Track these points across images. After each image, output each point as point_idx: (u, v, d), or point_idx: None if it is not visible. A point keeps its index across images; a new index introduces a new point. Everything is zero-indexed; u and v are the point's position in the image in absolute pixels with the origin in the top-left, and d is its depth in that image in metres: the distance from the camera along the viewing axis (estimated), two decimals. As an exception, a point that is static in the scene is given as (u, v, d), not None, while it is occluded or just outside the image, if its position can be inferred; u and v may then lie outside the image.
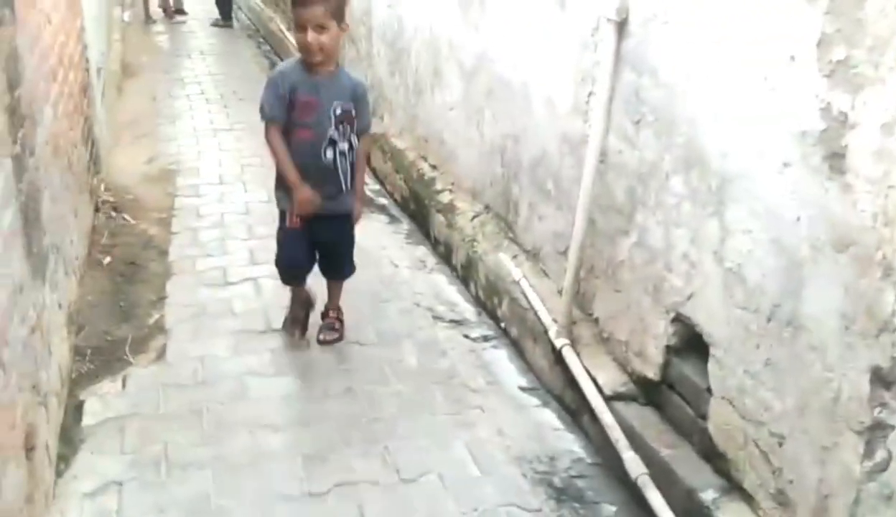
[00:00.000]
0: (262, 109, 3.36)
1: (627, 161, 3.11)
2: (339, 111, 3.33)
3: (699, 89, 2.69)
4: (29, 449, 2.47)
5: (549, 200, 3.77)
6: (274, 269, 4.47)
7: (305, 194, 3.35)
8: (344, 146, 3.40)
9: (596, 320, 3.43)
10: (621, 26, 3.05)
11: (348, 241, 3.69)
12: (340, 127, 3.35)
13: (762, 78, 2.40)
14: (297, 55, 3.37)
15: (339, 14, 3.22)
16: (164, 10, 12.19)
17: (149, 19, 12.00)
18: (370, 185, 5.87)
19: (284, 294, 3.91)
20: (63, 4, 4.21)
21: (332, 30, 3.20)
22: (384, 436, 3.12)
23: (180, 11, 12.29)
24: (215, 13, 11.66)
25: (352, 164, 3.46)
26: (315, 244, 3.60)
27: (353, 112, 3.39)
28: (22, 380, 2.40)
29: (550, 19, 3.61)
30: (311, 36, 3.17)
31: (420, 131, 5.40)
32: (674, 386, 2.95)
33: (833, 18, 2.14)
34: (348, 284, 4.28)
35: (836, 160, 2.15)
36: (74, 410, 3.24)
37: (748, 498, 2.58)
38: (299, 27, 3.20)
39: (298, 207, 3.39)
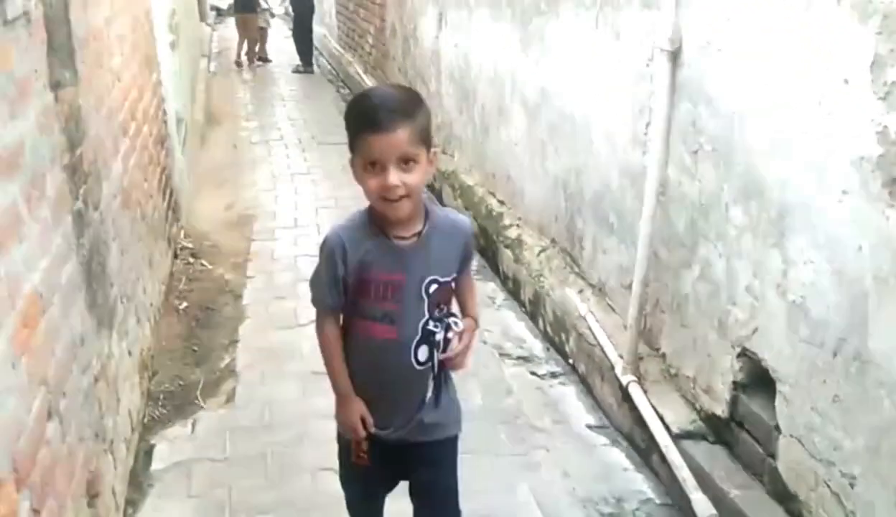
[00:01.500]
0: (311, 288, 2.18)
1: (687, 192, 3.03)
2: (434, 288, 2.08)
3: (755, 117, 2.61)
4: (92, 495, 2.53)
5: (611, 234, 3.70)
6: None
7: (357, 408, 2.20)
8: (440, 335, 2.12)
9: (663, 356, 3.34)
10: (675, 56, 3.00)
11: (448, 482, 2.36)
12: (437, 310, 2.11)
13: (817, 103, 2.31)
14: (360, 207, 2.12)
15: (427, 136, 1.98)
16: (250, 59, 12.63)
17: (239, 66, 12.45)
18: (441, 223, 5.89)
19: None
20: (136, 62, 4.37)
21: (420, 162, 1.94)
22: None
23: (264, 59, 12.74)
24: (297, 60, 12.00)
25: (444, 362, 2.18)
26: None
27: (453, 284, 2.15)
28: (83, 429, 2.46)
29: (606, 52, 3.58)
30: (392, 176, 1.90)
31: (488, 167, 5.40)
32: (743, 423, 2.83)
33: (886, 38, 2.05)
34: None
35: (895, 186, 2.05)
36: (145, 455, 3.31)
37: (821, 542, 2.44)
38: (370, 164, 1.92)
39: (342, 426, 2.32)
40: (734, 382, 2.82)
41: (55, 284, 2.30)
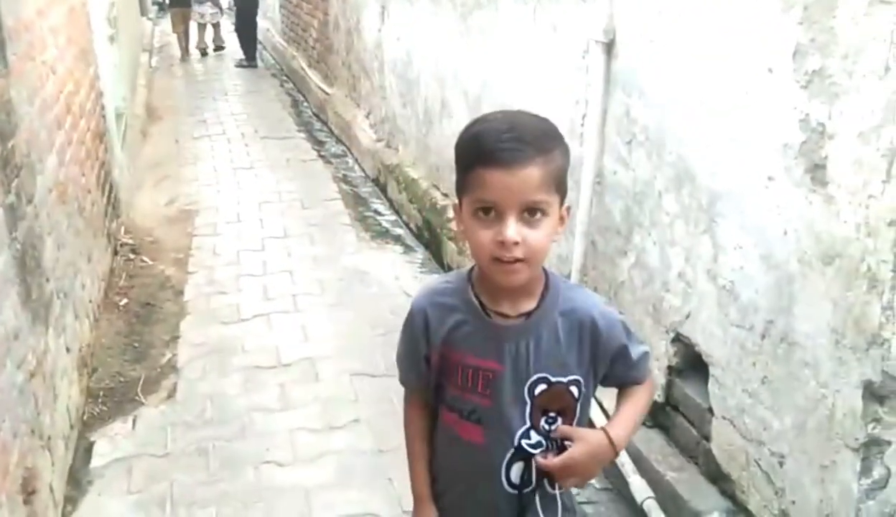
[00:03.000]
0: (396, 362, 1.78)
1: (622, 181, 3.09)
2: (541, 389, 1.58)
3: (685, 106, 2.67)
4: (29, 493, 2.49)
5: (552, 224, 3.74)
6: (284, 303, 4.50)
7: None
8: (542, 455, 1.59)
9: (601, 343, 3.39)
10: (609, 47, 3.05)
11: None
12: (545, 421, 1.60)
13: (743, 92, 2.37)
14: (464, 267, 1.71)
15: (562, 183, 1.48)
16: (202, 51, 12.83)
17: (186, 57, 12.53)
18: (386, 216, 5.92)
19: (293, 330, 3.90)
20: (71, 55, 4.30)
21: (550, 216, 1.44)
22: (389, 469, 3.09)
23: (220, 48, 12.96)
24: (240, 54, 11.89)
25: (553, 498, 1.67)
26: None
27: (580, 389, 1.59)
28: (17, 425, 2.43)
29: (544, 44, 3.62)
30: (511, 229, 1.41)
31: (432, 160, 5.42)
32: (678, 407, 2.90)
33: (807, 28, 2.11)
34: (359, 316, 4.31)
35: (817, 171, 2.12)
36: (84, 452, 3.27)
37: (753, 520, 2.52)
38: (482, 209, 1.44)
39: None
40: (669, 367, 2.89)
41: (-14, 278, 2.26)
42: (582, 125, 3.33)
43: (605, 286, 3.30)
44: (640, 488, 2.81)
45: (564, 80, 3.46)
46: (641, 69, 2.89)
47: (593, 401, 1.72)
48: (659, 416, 2.98)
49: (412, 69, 5.67)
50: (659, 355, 2.92)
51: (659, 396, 2.94)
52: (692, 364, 2.80)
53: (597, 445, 1.56)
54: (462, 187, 1.48)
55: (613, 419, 1.64)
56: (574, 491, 1.71)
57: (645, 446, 2.94)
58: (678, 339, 2.82)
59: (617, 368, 1.62)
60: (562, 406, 1.59)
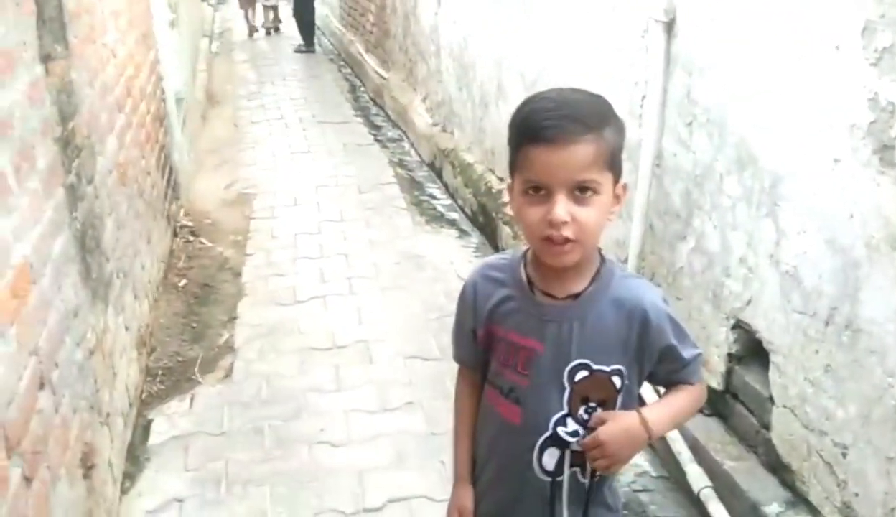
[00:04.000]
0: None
1: (682, 164, 3.02)
2: (582, 376, 1.54)
3: (747, 86, 2.59)
4: (88, 467, 2.54)
5: (609, 208, 3.68)
6: (340, 286, 4.52)
7: (459, 504, 1.74)
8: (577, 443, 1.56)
9: (658, 329, 3.32)
10: (669, 27, 2.98)
11: None
12: (583, 408, 1.55)
13: (809, 70, 2.29)
14: (519, 247, 1.66)
15: (616, 161, 1.44)
16: (268, 30, 13.73)
17: (252, 36, 13.45)
18: (441, 200, 5.90)
19: (348, 313, 3.92)
20: (132, 38, 4.36)
21: (602, 194, 1.41)
22: (441, 451, 3.08)
23: (276, 29, 13.72)
24: (299, 39, 11.97)
25: (592, 485, 1.61)
26: None
27: (623, 380, 1.54)
28: (77, 401, 2.47)
29: (602, 24, 3.55)
30: (560, 208, 1.38)
31: (487, 144, 5.38)
32: (737, 395, 2.83)
33: (877, 3, 2.03)
34: (413, 299, 4.31)
35: (886, 152, 2.04)
36: (143, 429, 3.33)
37: (814, 511, 2.45)
38: (532, 188, 1.42)
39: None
40: (729, 354, 2.82)
41: (46, 256, 2.30)
42: (641, 107, 3.26)
43: (663, 271, 3.24)
44: (697, 477, 2.76)
45: (623, 61, 3.39)
46: (703, 48, 2.82)
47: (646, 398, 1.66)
48: (718, 404, 2.91)
49: (468, 52, 5.63)
50: (718, 342, 2.86)
51: (718, 384, 2.88)
52: (753, 351, 2.74)
53: (628, 425, 1.51)
54: (513, 165, 1.46)
55: (651, 404, 1.61)
56: (624, 481, 1.67)
57: (703, 434, 2.88)
58: (738, 326, 2.76)
59: (664, 367, 1.57)
60: (603, 396, 1.55)
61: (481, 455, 1.71)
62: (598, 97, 1.46)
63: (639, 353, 1.54)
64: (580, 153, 1.36)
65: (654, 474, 3.04)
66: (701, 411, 2.96)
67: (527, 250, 1.59)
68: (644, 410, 1.54)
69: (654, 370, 1.58)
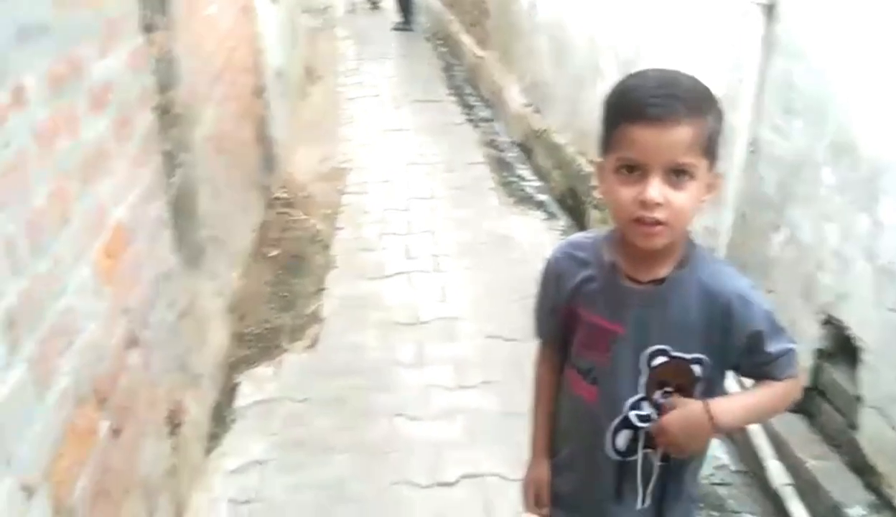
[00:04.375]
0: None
1: (778, 151, 2.93)
2: (660, 362, 1.52)
3: (850, 72, 2.50)
4: (175, 425, 2.64)
5: (700, 194, 3.60)
6: (425, 263, 4.55)
7: (535, 477, 1.77)
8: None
9: (746, 320, 3.24)
10: (770, 9, 2.89)
11: None
12: (659, 393, 1.54)
13: (917, 55, 2.19)
14: (603, 228, 1.72)
15: (713, 146, 1.41)
16: (374, 4, 14.00)
17: (351, 10, 13.82)
18: (530, 181, 5.87)
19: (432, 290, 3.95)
20: (233, 12, 4.47)
21: (697, 179, 1.38)
22: (517, 432, 3.07)
23: (377, 5, 13.86)
24: (398, 18, 12.05)
25: (669, 469, 1.60)
26: None
27: (703, 368, 1.51)
28: (167, 361, 2.57)
29: (701, 4, 3.46)
30: (654, 189, 1.36)
31: (580, 126, 5.31)
32: (825, 392, 2.74)
33: None
34: (497, 279, 4.31)
35: None
36: (230, 392, 3.44)
37: (899, 516, 2.36)
38: (626, 167, 1.39)
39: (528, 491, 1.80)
40: (818, 350, 2.73)
41: (141, 219, 2.40)
42: (737, 91, 3.17)
43: (754, 262, 3.15)
44: (777, 473, 2.69)
45: (721, 44, 3.30)
46: (804, 32, 2.72)
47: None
48: (803, 401, 2.82)
49: (565, 32, 5.57)
50: (808, 337, 2.77)
51: (805, 380, 2.80)
52: (843, 348, 2.64)
53: (691, 413, 1.48)
54: (607, 144, 1.42)
55: (723, 397, 1.55)
56: (702, 473, 1.64)
57: (786, 431, 2.80)
58: (829, 322, 2.67)
59: (749, 359, 1.52)
60: (681, 382, 1.52)
61: (559, 433, 1.72)
62: (700, 81, 1.42)
63: (722, 343, 1.49)
64: (681, 135, 1.33)
65: (733, 468, 2.97)
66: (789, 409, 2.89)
67: (612, 230, 1.55)
68: (712, 402, 1.50)
69: (738, 361, 1.53)
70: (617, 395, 1.54)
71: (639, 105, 1.34)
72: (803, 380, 2.77)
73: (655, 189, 1.34)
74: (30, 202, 1.62)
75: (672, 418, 1.50)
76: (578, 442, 1.65)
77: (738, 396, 1.59)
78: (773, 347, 1.50)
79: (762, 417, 1.73)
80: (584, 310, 1.56)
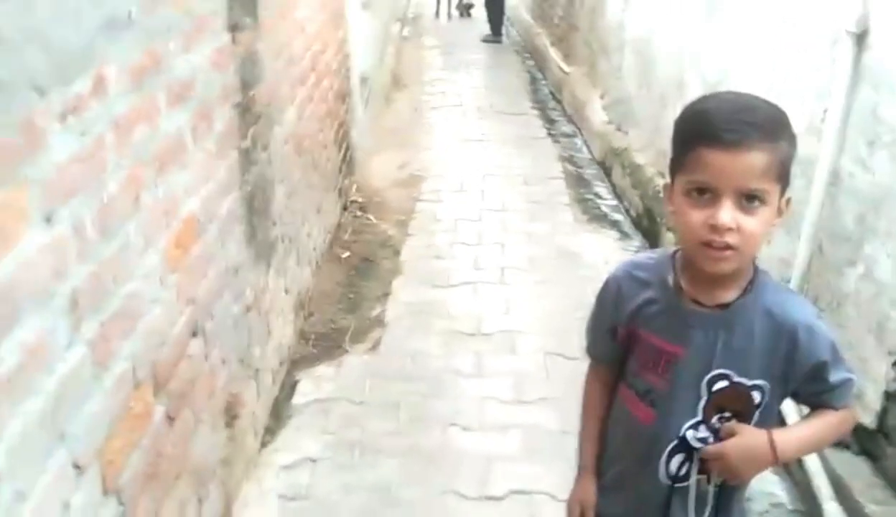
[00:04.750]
0: (585, 331, 1.78)
1: (859, 184, 2.84)
2: (721, 386, 1.51)
3: (940, 107, 2.40)
4: (232, 416, 2.70)
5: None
6: (493, 275, 4.56)
7: (582, 497, 1.75)
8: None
9: (816, 357, 3.15)
10: (861, 38, 2.81)
11: None
12: (717, 419, 1.53)
13: None
14: (668, 248, 1.64)
15: (786, 173, 1.39)
16: (460, 12, 14.38)
17: (438, 15, 14.30)
18: (606, 200, 5.82)
19: (497, 302, 3.94)
20: (323, 17, 4.56)
21: (769, 205, 1.36)
22: (569, 450, 3.04)
23: (469, 13, 14.22)
24: (487, 29, 12.09)
25: (721, 495, 1.59)
26: None
27: (763, 396, 1.50)
28: (228, 352, 2.63)
29: (791, 29, 3.39)
30: (725, 213, 1.35)
31: (661, 146, 5.25)
32: (890, 436, 2.64)
33: None
34: (563, 296, 4.28)
35: None
36: (290, 388, 3.49)
37: (961, 573, 2.26)
38: (697, 190, 1.38)
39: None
40: (886, 392, 2.64)
41: (214, 213, 2.46)
42: (822, 120, 3.09)
43: (827, 296, 3.06)
44: (835, 516, 2.60)
45: (808, 71, 3.22)
46: (895, 64, 2.64)
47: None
48: (868, 443, 2.73)
49: (651, 50, 5.51)
50: (877, 377, 2.68)
51: (871, 422, 2.70)
52: (914, 393, 2.55)
53: (754, 442, 1.48)
54: (678, 165, 1.42)
55: (786, 427, 1.56)
56: (757, 509, 1.63)
57: (848, 473, 2.71)
58: (900, 363, 2.58)
59: (810, 387, 1.52)
60: (739, 408, 1.52)
61: (609, 453, 1.72)
62: (777, 106, 1.41)
63: (784, 371, 1.49)
64: (755, 160, 1.32)
65: (790, 507, 2.89)
66: (848, 448, 2.80)
67: (675, 251, 1.56)
68: (776, 432, 1.49)
69: (797, 389, 1.53)
70: (674, 418, 1.54)
71: (714, 128, 1.34)
72: (870, 420, 2.69)
73: (727, 213, 1.34)
74: (103, 189, 1.67)
75: (733, 445, 1.49)
76: (630, 463, 1.64)
77: (798, 427, 1.58)
78: (834, 377, 1.51)
79: (819, 448, 1.72)
80: (645, 331, 1.56)
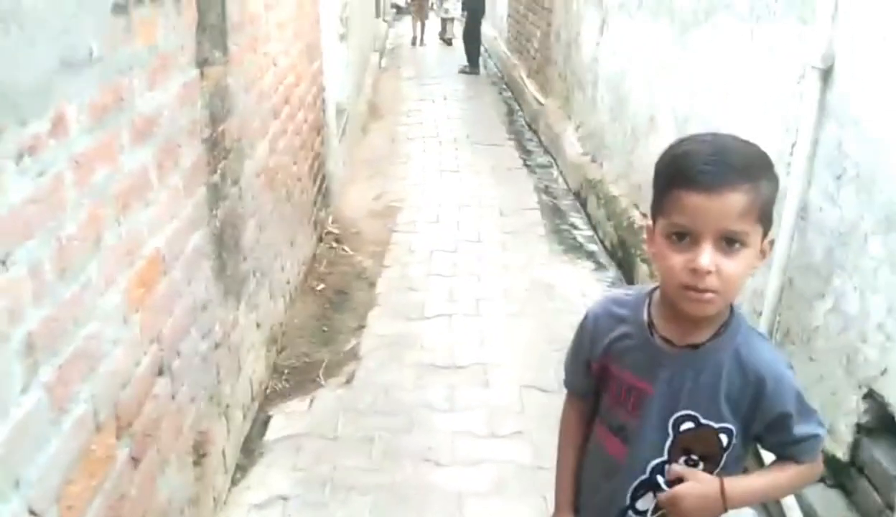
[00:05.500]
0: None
1: (827, 219, 2.86)
2: (687, 427, 1.51)
3: (902, 142, 2.43)
4: (201, 455, 2.66)
5: (749, 256, 3.52)
6: (467, 306, 4.55)
7: None
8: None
9: (788, 389, 3.15)
10: (826, 74, 2.85)
11: None
12: (685, 462, 1.53)
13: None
14: (646, 285, 1.61)
15: (768, 215, 1.38)
16: (446, 40, 15.29)
17: (415, 44, 15.05)
18: (582, 230, 5.84)
19: (472, 334, 3.92)
20: (297, 49, 4.56)
21: (749, 247, 1.35)
22: (545, 486, 3.02)
23: (450, 42, 15.11)
24: (465, 61, 12.18)
25: None
26: None
27: (730, 439, 1.50)
28: (196, 390, 2.59)
29: (759, 66, 3.42)
30: (705, 257, 1.33)
31: (634, 179, 5.28)
32: (863, 469, 2.64)
33: None
34: (539, 328, 4.27)
35: None
36: (262, 424, 3.45)
37: None
38: (676, 234, 1.37)
39: None
40: (858, 424, 2.64)
41: (180, 249, 2.43)
42: (791, 155, 3.12)
43: (797, 329, 3.07)
44: (810, 550, 2.60)
45: (776, 106, 3.26)
46: (858, 99, 2.67)
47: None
48: (841, 476, 2.73)
49: (624, 84, 5.56)
50: (848, 410, 2.68)
51: (843, 455, 2.70)
52: (884, 424, 2.56)
53: (705, 489, 1.48)
54: (658, 208, 1.41)
55: (741, 476, 1.54)
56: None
57: (822, 506, 2.70)
58: (871, 395, 2.58)
59: (773, 437, 1.51)
60: (707, 451, 1.51)
61: (585, 489, 1.70)
62: (756, 147, 1.39)
63: (748, 416, 1.48)
64: (735, 202, 1.30)
65: (766, 540, 2.88)
66: (823, 481, 2.79)
67: (653, 290, 1.55)
68: (728, 481, 1.49)
69: (761, 435, 1.52)
70: (641, 456, 1.54)
71: (691, 172, 1.33)
72: (842, 453, 2.69)
73: (706, 257, 1.32)
74: (62, 229, 1.65)
75: (684, 490, 1.49)
76: (603, 500, 1.63)
77: (755, 477, 1.55)
78: (799, 430, 1.49)
79: (772, 498, 1.72)
80: (617, 366, 1.56)
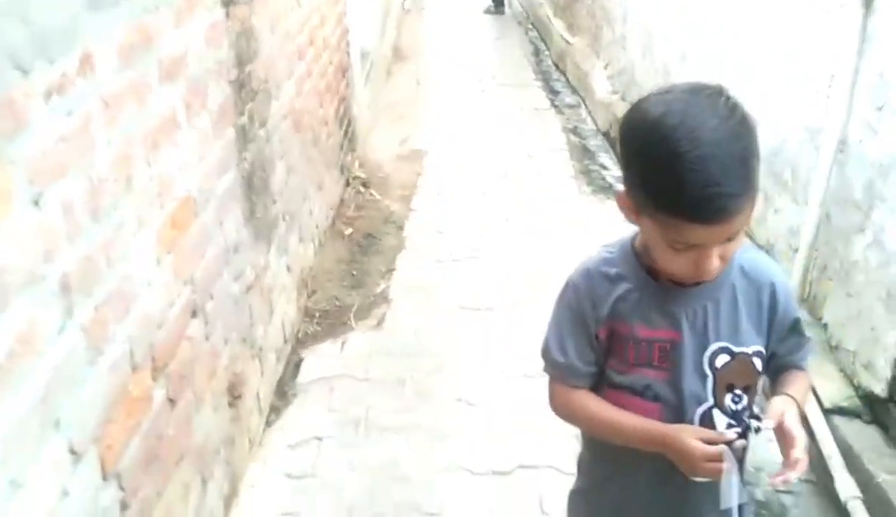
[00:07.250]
0: (543, 353, 1.64)
1: (868, 151, 2.79)
2: (723, 361, 1.44)
3: (950, 69, 2.35)
4: (235, 396, 2.68)
5: (785, 192, 3.47)
6: (496, 248, 4.52)
7: (679, 437, 1.40)
8: (740, 442, 1.40)
9: (825, 326, 3.11)
10: (868, 2, 2.74)
11: None
12: (731, 398, 1.45)
13: None
14: (624, 236, 1.52)
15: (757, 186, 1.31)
16: None
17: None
18: (611, 171, 5.76)
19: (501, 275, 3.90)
20: (320, -11, 4.49)
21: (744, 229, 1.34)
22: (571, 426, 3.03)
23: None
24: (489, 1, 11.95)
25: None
26: None
27: (762, 363, 1.47)
28: (229, 332, 2.60)
29: (797, -5, 3.32)
30: (714, 260, 1.30)
31: (665, 117, 5.18)
32: (902, 405, 2.61)
33: None
34: (570, 266, 4.25)
35: None
36: (294, 366, 3.47)
37: (974, 542, 2.23)
38: (683, 245, 1.29)
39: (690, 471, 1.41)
40: (897, 360, 2.61)
41: (210, 192, 2.42)
42: (829, 86, 3.03)
43: (835, 265, 3.02)
44: (846, 486, 2.58)
45: (814, 37, 3.16)
46: (903, 25, 2.58)
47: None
48: (879, 412, 2.70)
49: (654, 18, 5.43)
50: (887, 345, 2.64)
51: (882, 390, 2.67)
52: (924, 360, 2.52)
53: (797, 409, 1.42)
54: (651, 212, 1.29)
55: (792, 391, 1.47)
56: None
57: (858, 442, 2.69)
58: (911, 331, 2.54)
59: (787, 345, 1.51)
60: (747, 381, 1.45)
61: (609, 464, 1.60)
62: (747, 136, 1.26)
63: (768, 331, 1.47)
64: (737, 221, 1.26)
65: (801, 477, 2.86)
66: (859, 416, 2.77)
67: (633, 238, 1.47)
68: (794, 396, 1.46)
69: (775, 350, 1.50)
70: (684, 406, 1.44)
71: (688, 209, 1.23)
72: (881, 389, 2.66)
73: (714, 261, 1.30)
74: (92, 169, 1.64)
75: (793, 417, 1.39)
76: (638, 476, 1.52)
77: (792, 389, 1.48)
78: (806, 332, 1.54)
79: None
80: (629, 326, 1.46)
